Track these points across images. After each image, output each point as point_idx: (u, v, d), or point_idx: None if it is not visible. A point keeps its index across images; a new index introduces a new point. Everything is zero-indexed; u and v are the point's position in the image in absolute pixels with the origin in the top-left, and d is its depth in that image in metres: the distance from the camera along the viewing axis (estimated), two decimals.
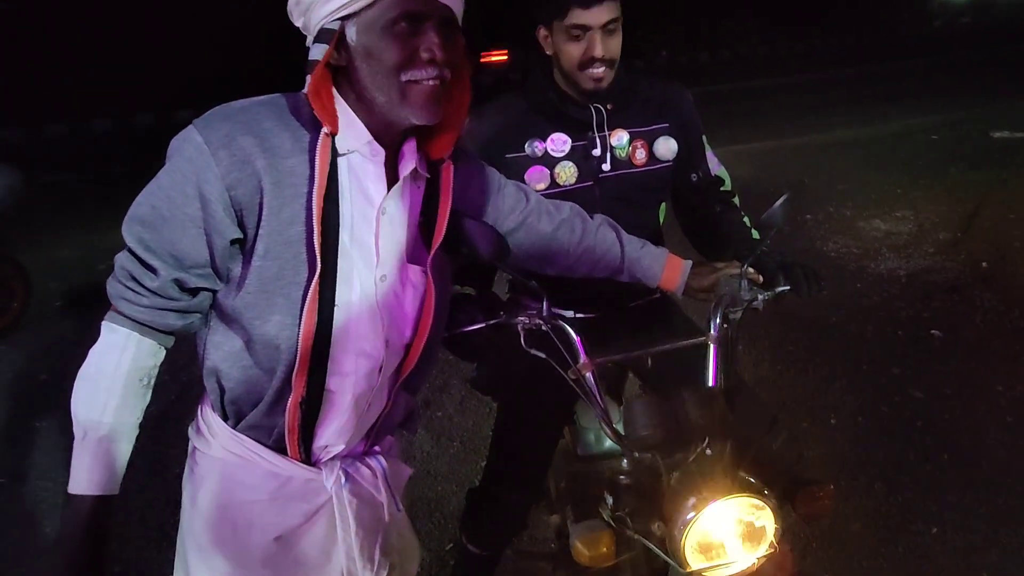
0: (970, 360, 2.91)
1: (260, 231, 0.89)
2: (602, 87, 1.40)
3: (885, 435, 2.50)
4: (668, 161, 1.52)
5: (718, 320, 1.16)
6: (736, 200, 1.60)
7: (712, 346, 1.14)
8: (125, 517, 2.18)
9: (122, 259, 0.91)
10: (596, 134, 1.46)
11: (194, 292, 0.93)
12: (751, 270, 1.19)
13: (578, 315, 1.57)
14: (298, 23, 0.93)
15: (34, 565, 2.04)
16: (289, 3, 0.93)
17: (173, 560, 1.09)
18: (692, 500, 0.97)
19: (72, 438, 0.91)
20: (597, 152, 1.47)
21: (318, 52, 0.89)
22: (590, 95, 1.43)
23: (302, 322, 0.91)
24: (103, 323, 0.92)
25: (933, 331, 3.15)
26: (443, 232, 1.01)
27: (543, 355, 1.12)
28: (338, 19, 0.87)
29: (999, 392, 2.69)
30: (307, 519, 1.04)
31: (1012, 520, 2.07)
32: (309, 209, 0.89)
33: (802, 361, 2.96)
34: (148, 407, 0.96)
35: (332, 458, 1.04)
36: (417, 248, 1.02)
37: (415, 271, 1.01)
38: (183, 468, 1.07)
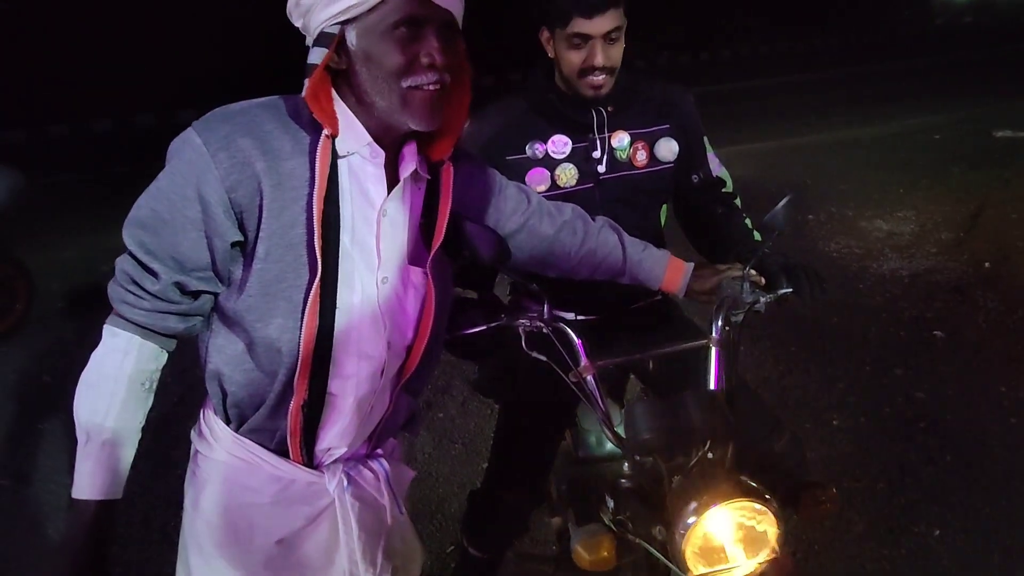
0: (973, 361, 2.91)
1: (260, 233, 0.89)
2: (601, 94, 1.40)
3: (888, 436, 2.49)
4: (669, 162, 1.51)
5: (720, 322, 1.15)
6: (738, 201, 1.59)
7: (714, 349, 1.14)
8: (127, 519, 2.18)
9: (123, 262, 0.91)
10: (597, 136, 1.46)
11: (195, 295, 0.92)
12: (753, 272, 1.19)
13: (579, 317, 1.57)
14: (297, 24, 0.93)
15: (37, 569, 2.04)
16: (289, 4, 0.92)
17: (175, 563, 1.09)
18: (694, 504, 0.97)
19: (75, 441, 0.91)
20: (597, 154, 1.46)
21: (317, 56, 0.88)
22: (590, 100, 1.43)
23: (303, 325, 0.91)
24: (104, 326, 0.92)
25: (936, 332, 3.14)
26: (443, 233, 1.01)
27: (544, 358, 1.12)
28: (338, 23, 0.87)
29: (1002, 393, 2.68)
30: (309, 522, 1.04)
31: (1016, 522, 2.06)
32: (310, 211, 0.89)
33: (804, 362, 2.95)
34: (150, 410, 0.96)
35: (334, 461, 1.04)
36: (418, 250, 1.02)
37: (416, 273, 1.01)
38: (185, 471, 1.07)
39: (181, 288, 0.91)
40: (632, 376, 1.66)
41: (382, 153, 0.94)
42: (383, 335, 0.98)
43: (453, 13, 0.90)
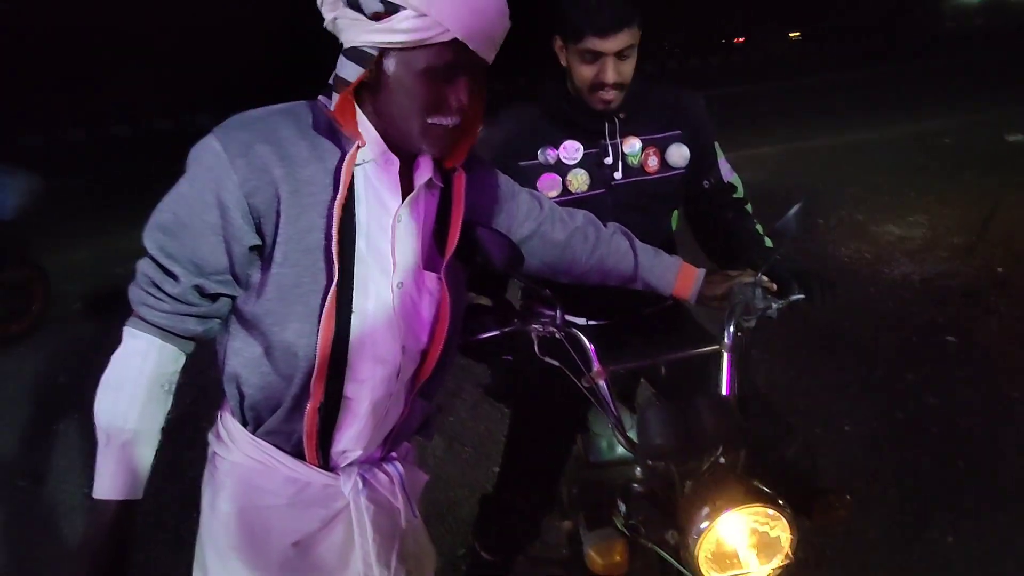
0: (986, 366, 2.89)
1: (278, 239, 0.90)
2: (611, 108, 1.41)
3: (900, 442, 2.48)
4: (680, 168, 1.52)
5: (732, 328, 1.16)
6: (748, 207, 1.59)
7: (726, 354, 1.14)
8: (140, 520, 2.19)
9: (143, 266, 0.93)
10: (608, 142, 1.47)
11: (214, 298, 0.94)
12: (765, 278, 1.19)
13: (591, 323, 1.57)
14: (327, 16, 0.92)
15: (58, 569, 2.06)
16: None
17: (188, 563, 1.10)
18: (706, 509, 0.97)
19: (92, 441, 0.93)
20: (609, 160, 1.47)
21: (351, 72, 0.89)
22: (601, 112, 1.43)
23: (320, 329, 0.92)
24: (125, 328, 0.94)
25: (948, 337, 3.12)
26: (456, 240, 1.02)
27: (556, 363, 1.12)
28: (378, 47, 0.87)
29: (1015, 399, 2.66)
30: (325, 524, 1.05)
31: None
32: (326, 218, 0.90)
33: (815, 367, 2.94)
34: (167, 413, 0.97)
35: (350, 464, 1.05)
36: (432, 255, 1.03)
37: (431, 278, 1.02)
38: (199, 472, 1.09)
39: (200, 291, 0.92)
40: (643, 381, 1.66)
41: (397, 161, 0.95)
42: (398, 339, 1.00)
43: (488, 60, 0.92)
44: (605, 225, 1.28)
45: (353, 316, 0.94)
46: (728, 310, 1.18)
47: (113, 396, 0.92)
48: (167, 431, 0.98)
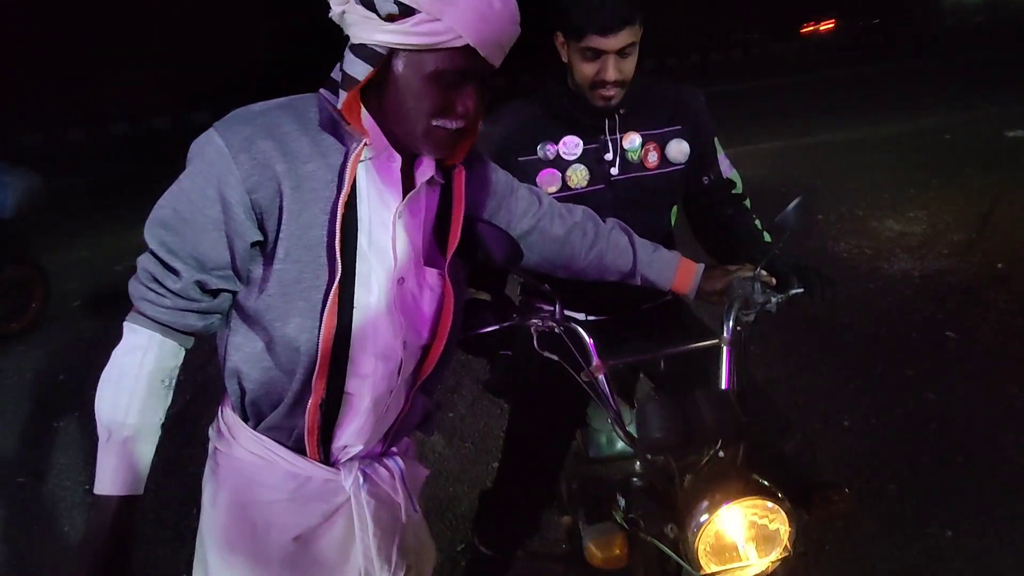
0: (985, 362, 2.89)
1: (280, 234, 0.90)
2: (611, 105, 1.40)
3: (899, 437, 2.48)
4: (680, 164, 1.52)
5: (731, 323, 1.16)
6: (747, 203, 1.60)
7: (725, 348, 1.15)
8: (140, 516, 2.20)
9: (144, 261, 0.93)
10: (608, 137, 1.47)
11: (215, 293, 0.94)
12: (764, 273, 1.19)
13: (590, 318, 1.58)
14: (334, 8, 0.91)
15: (59, 564, 2.07)
16: None
17: (188, 559, 1.10)
18: (705, 503, 0.98)
19: (92, 438, 0.93)
20: (609, 156, 1.47)
21: (359, 70, 0.88)
22: (600, 109, 1.43)
23: (322, 325, 0.92)
24: (125, 324, 0.94)
25: (948, 333, 3.13)
26: (458, 236, 1.02)
27: (556, 357, 1.13)
28: (388, 48, 0.87)
29: (1014, 394, 2.66)
30: (325, 519, 1.06)
31: None
32: (329, 214, 0.90)
33: (815, 363, 2.94)
34: (167, 408, 0.97)
35: (350, 459, 1.05)
36: (433, 252, 1.03)
37: (432, 274, 1.02)
38: (199, 468, 1.09)
39: (202, 287, 0.92)
40: (643, 376, 1.67)
41: (399, 158, 0.95)
42: (399, 335, 1.00)
43: (496, 66, 0.91)
44: (604, 221, 1.28)
45: (355, 312, 0.94)
46: (727, 304, 1.19)
47: (113, 391, 0.92)
48: (167, 427, 0.98)
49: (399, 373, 1.02)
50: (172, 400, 0.98)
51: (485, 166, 1.14)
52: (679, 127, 1.51)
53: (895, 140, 6.22)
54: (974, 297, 3.41)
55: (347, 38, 0.91)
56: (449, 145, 0.93)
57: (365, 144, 0.91)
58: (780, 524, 0.99)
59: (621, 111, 1.46)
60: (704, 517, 0.97)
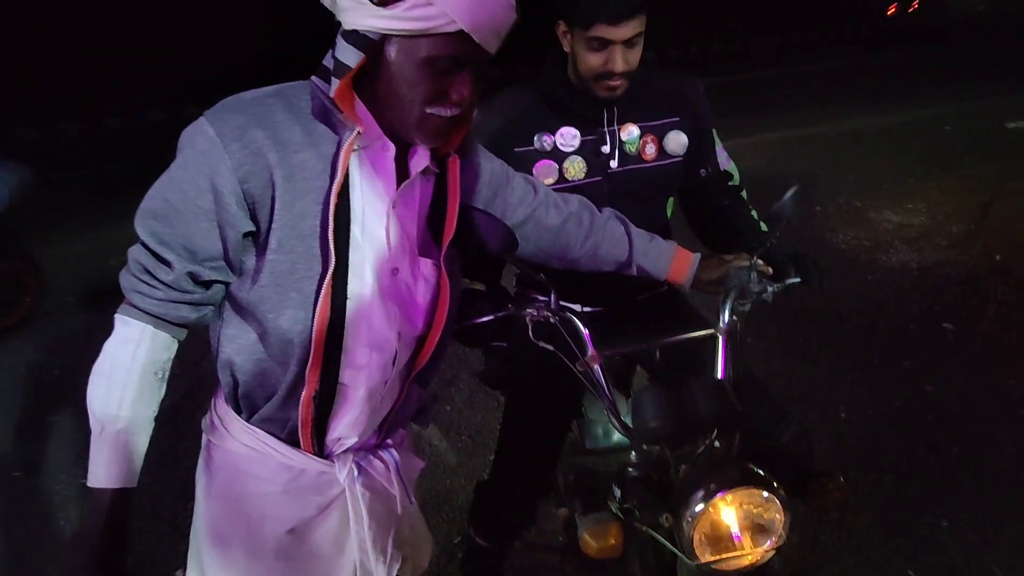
0: (983, 354, 2.89)
1: (273, 224, 0.89)
2: (615, 96, 1.38)
3: (896, 428, 2.48)
4: (678, 156, 1.50)
5: (727, 313, 1.15)
6: (744, 194, 1.59)
7: (721, 338, 1.14)
8: (137, 510, 2.19)
9: (135, 252, 0.92)
10: (606, 129, 1.45)
11: (207, 284, 0.93)
12: (760, 262, 1.18)
13: (585, 309, 1.57)
14: None
15: (54, 559, 2.06)
16: None
17: (184, 552, 1.10)
18: (701, 492, 0.97)
19: (86, 432, 0.92)
20: (607, 148, 1.45)
21: (351, 57, 0.86)
22: (603, 99, 1.41)
23: (315, 317, 0.91)
24: (116, 316, 0.93)
25: (945, 324, 3.13)
26: (453, 226, 1.01)
27: (551, 347, 1.12)
28: (381, 34, 0.85)
29: (1011, 386, 2.67)
30: (320, 512, 1.05)
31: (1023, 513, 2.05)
32: (322, 204, 0.89)
33: (812, 354, 2.94)
34: (160, 401, 0.96)
35: (345, 451, 1.05)
36: (427, 242, 1.02)
37: (426, 264, 1.01)
38: (195, 461, 1.08)
39: (194, 278, 0.91)
40: (638, 366, 1.66)
41: (392, 147, 0.94)
42: (394, 326, 0.99)
43: (492, 52, 0.90)
44: (600, 210, 1.27)
45: (348, 303, 0.94)
46: (723, 294, 1.18)
47: (106, 384, 0.91)
48: (163, 420, 0.97)
49: (394, 364, 1.02)
50: (168, 393, 0.97)
51: (480, 155, 1.13)
52: (677, 118, 1.49)
53: (894, 131, 6.20)
54: (972, 289, 3.41)
55: (339, 24, 0.89)
56: (443, 133, 0.92)
57: (358, 133, 0.89)
58: (775, 514, 0.99)
59: (619, 102, 1.44)
60: (699, 507, 0.97)
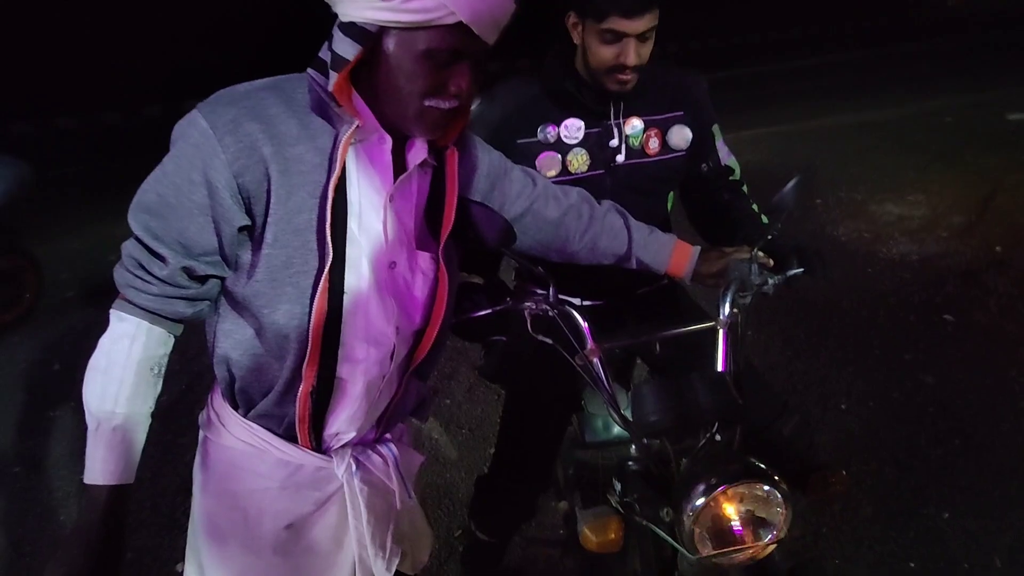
0: (983, 345, 2.88)
1: (268, 219, 0.88)
2: (626, 90, 1.37)
3: (896, 420, 2.48)
4: (681, 151, 1.49)
5: (728, 305, 1.14)
6: (745, 189, 1.58)
7: (721, 331, 1.13)
8: (137, 505, 2.20)
9: (129, 247, 0.91)
10: (612, 122, 1.44)
11: (203, 280, 0.92)
12: (761, 254, 1.18)
13: (585, 303, 1.56)
14: None
15: (51, 553, 2.06)
16: None
17: (183, 547, 1.09)
18: (701, 486, 0.97)
19: (86, 428, 0.91)
20: (615, 142, 1.43)
21: (348, 50, 0.85)
22: (611, 93, 1.40)
23: (313, 311, 0.90)
24: (112, 311, 0.92)
25: (946, 316, 3.12)
26: (451, 220, 1.00)
27: (550, 341, 1.11)
28: (379, 25, 0.84)
29: (1012, 377, 2.66)
30: (318, 507, 1.05)
31: None
32: (319, 198, 0.88)
33: (813, 346, 2.94)
34: (159, 396, 0.96)
35: (343, 446, 1.04)
36: (425, 235, 1.01)
37: (424, 258, 1.00)
38: (194, 457, 1.08)
39: (189, 273, 0.90)
40: (638, 360, 1.66)
41: (389, 139, 0.93)
42: (391, 320, 0.98)
43: (490, 44, 0.89)
44: (599, 203, 1.26)
45: (345, 297, 0.93)
46: (724, 287, 1.17)
47: (101, 380, 0.91)
48: (162, 416, 0.97)
49: (392, 359, 1.01)
50: (166, 389, 0.96)
51: (477, 147, 1.11)
52: (681, 113, 1.48)
53: (895, 123, 6.17)
54: (973, 280, 3.40)
55: (335, 16, 0.88)
56: (442, 126, 0.91)
57: (357, 127, 0.88)
58: (777, 507, 0.98)
59: (625, 96, 1.43)
60: (700, 500, 0.96)
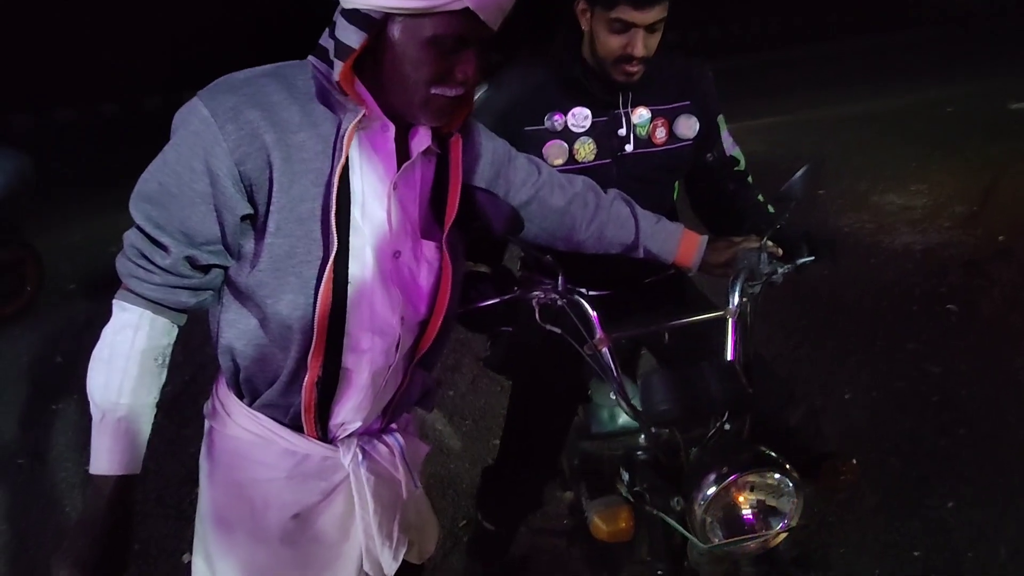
0: (987, 335, 2.88)
1: (271, 207, 0.87)
2: (633, 80, 1.36)
3: (900, 410, 2.48)
4: (688, 140, 1.48)
5: (736, 295, 1.14)
6: (750, 179, 1.57)
7: (730, 320, 1.13)
8: (143, 496, 2.20)
9: (131, 237, 0.90)
10: (620, 111, 1.43)
11: (206, 269, 0.91)
12: (770, 243, 1.17)
13: (592, 293, 1.55)
14: None
15: (56, 544, 2.07)
16: None
17: (191, 538, 1.09)
18: (713, 475, 0.96)
19: (90, 419, 0.91)
20: (623, 132, 1.42)
21: (353, 38, 0.84)
22: (619, 83, 1.38)
23: (317, 301, 0.90)
24: (114, 301, 0.91)
25: (949, 306, 3.11)
26: (456, 208, 0.99)
27: (559, 330, 1.11)
28: (384, 11, 0.83)
29: (1017, 367, 2.66)
30: (324, 497, 1.04)
31: None
32: (322, 186, 0.88)
33: (817, 337, 2.94)
34: (163, 387, 0.95)
35: (349, 435, 1.04)
36: (430, 224, 1.00)
37: (429, 247, 1.00)
38: (199, 447, 1.07)
39: (192, 262, 0.89)
40: (645, 350, 1.65)
41: (392, 127, 0.92)
42: (396, 310, 0.97)
43: (495, 30, 0.87)
44: (605, 191, 1.25)
45: (349, 287, 0.92)
46: (733, 276, 1.16)
47: (105, 371, 0.90)
48: (168, 407, 0.96)
49: (397, 349, 1.00)
50: (171, 379, 0.96)
51: (482, 134, 1.10)
52: (688, 102, 1.47)
53: (897, 113, 6.15)
54: (976, 270, 3.40)
55: (334, 4, 0.87)
56: (448, 113, 0.90)
57: (364, 115, 0.87)
58: (787, 496, 0.98)
59: (633, 85, 1.41)
60: (711, 489, 0.96)
